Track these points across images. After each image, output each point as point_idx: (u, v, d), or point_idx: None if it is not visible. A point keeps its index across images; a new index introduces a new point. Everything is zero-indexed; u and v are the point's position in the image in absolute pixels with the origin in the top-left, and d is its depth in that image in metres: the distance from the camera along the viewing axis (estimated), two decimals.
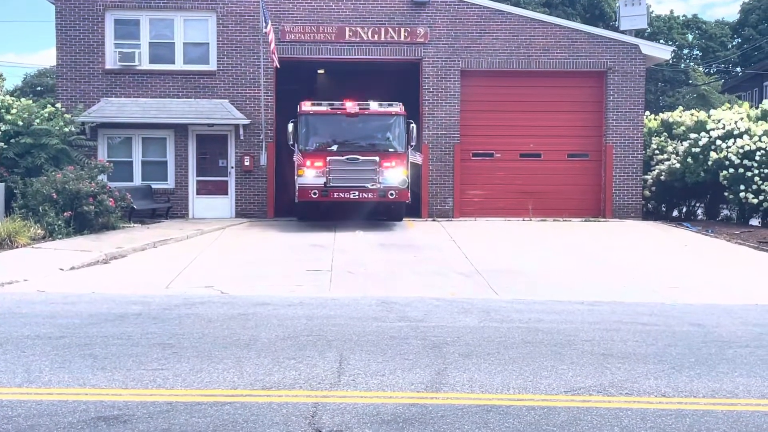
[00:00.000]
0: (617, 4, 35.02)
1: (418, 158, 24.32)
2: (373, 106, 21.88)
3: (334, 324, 10.40)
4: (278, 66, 23.64)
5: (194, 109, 24.42)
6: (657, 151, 26.71)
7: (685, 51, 66.88)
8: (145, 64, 24.80)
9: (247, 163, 24.81)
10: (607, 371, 8.18)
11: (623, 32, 27.75)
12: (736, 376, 7.95)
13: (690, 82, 55.58)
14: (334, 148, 21.45)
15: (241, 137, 24.82)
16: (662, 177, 25.76)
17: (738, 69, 61.62)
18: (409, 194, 22.00)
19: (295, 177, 21.52)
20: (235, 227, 22.52)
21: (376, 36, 24.85)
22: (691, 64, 62.40)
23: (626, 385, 7.65)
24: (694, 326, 10.68)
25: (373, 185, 21.15)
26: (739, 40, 63.32)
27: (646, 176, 26.28)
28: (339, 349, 8.93)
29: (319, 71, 29.97)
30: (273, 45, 23.11)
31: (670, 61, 50.56)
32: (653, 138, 27.09)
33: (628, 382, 7.77)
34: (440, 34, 25.03)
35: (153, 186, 24.61)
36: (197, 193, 25.07)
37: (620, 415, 6.69)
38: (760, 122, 24.26)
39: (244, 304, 11.73)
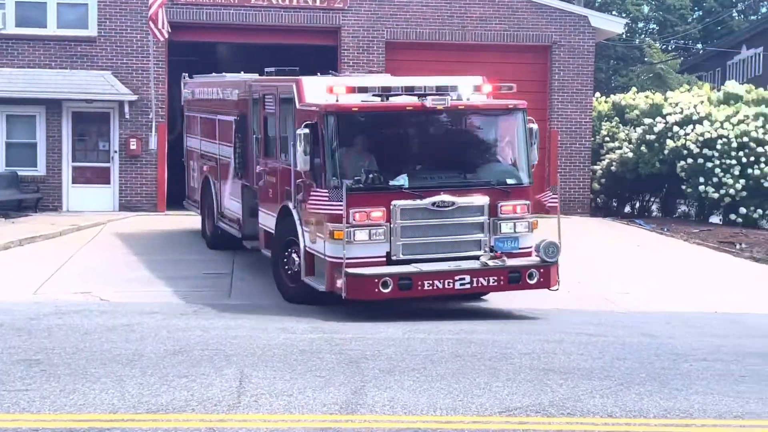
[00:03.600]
0: None
1: None
2: (465, 91, 13.17)
3: (234, 336, 10.36)
4: (161, 39, 22.89)
5: (70, 82, 23.90)
6: (607, 139, 27.26)
7: (641, 25, 68.27)
8: (11, 28, 24.13)
9: (133, 147, 24.34)
10: (547, 388, 8.33)
11: (571, 2, 28.23)
12: (691, 394, 8.19)
13: (645, 60, 56.77)
14: (402, 182, 12.39)
15: (127, 116, 24.37)
16: (613, 168, 26.29)
17: (699, 46, 63.32)
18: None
19: (319, 239, 12.32)
20: (119, 222, 22.17)
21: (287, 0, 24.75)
22: (647, 39, 63.74)
23: (568, 405, 7.81)
24: (646, 337, 10.97)
25: (494, 261, 12.41)
26: (701, 14, 64.97)
27: (595, 167, 26.77)
28: (239, 366, 8.90)
29: (219, 41, 29.57)
30: (155, 8, 22.12)
31: (624, 36, 51.61)
32: (603, 123, 27.63)
33: (571, 400, 7.94)
34: (362, 0, 25.07)
35: (19, 173, 23.99)
36: (73, 182, 24.51)
37: None
38: (722, 106, 24.89)
39: (127, 313, 11.58)
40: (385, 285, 11.74)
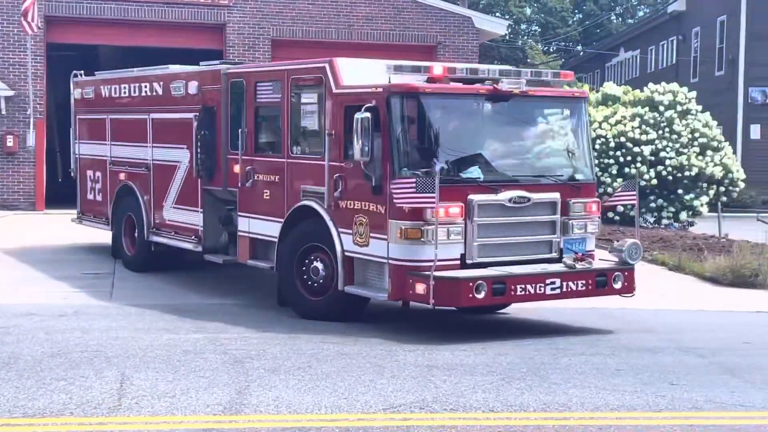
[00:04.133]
0: None
1: None
2: (508, 76, 11.46)
3: (115, 337, 10.16)
4: (31, 32, 22.21)
5: None
6: None
7: (524, 26, 69.69)
8: None
9: (9, 144, 23.71)
10: (431, 384, 8.43)
11: (456, 3, 28.56)
12: (570, 387, 8.39)
13: (528, 61, 58.00)
14: (476, 174, 10.99)
15: (2, 112, 23.70)
16: None
17: (579, 48, 64.91)
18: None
19: (375, 241, 10.74)
20: None
21: None
22: (530, 41, 65.13)
23: (452, 400, 7.91)
24: (527, 332, 11.18)
25: (582, 264, 11.22)
26: (581, 16, 66.67)
27: None
28: (120, 367, 8.74)
29: (100, 40, 28.83)
30: (29, 2, 21.57)
31: (507, 37, 52.57)
32: None
33: (454, 396, 8.04)
34: None
35: None
36: None
37: None
38: (600, 107, 25.57)
39: (2, 315, 11.24)
40: (478, 290, 10.29)
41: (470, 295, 10.27)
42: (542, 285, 10.73)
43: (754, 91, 33.91)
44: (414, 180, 10.11)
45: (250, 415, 7.37)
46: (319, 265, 11.44)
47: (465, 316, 11.95)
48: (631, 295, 11.52)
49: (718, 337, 11.53)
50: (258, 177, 12.47)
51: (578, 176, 11.75)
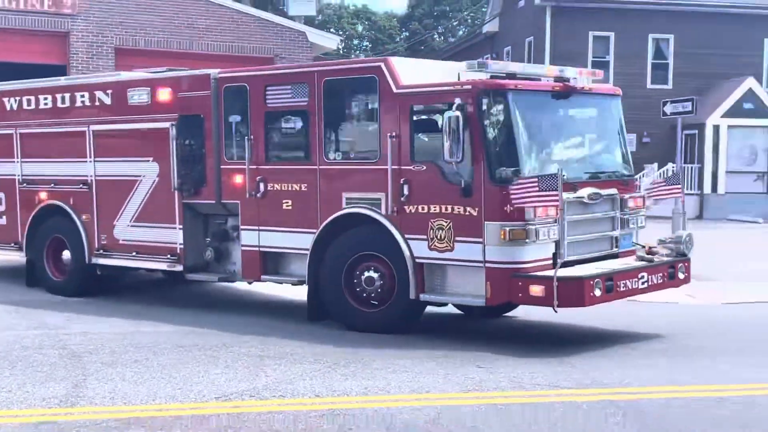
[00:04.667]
0: None
1: None
2: (571, 72, 10.65)
3: None
4: None
5: None
6: None
7: (356, 41, 70.22)
8: None
9: None
10: (262, 374, 8.35)
11: (292, 18, 28.45)
12: (389, 372, 8.46)
13: None
14: (558, 170, 9.39)
15: None
16: None
17: None
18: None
19: (463, 245, 9.58)
20: None
21: (13, 3, 23.24)
22: (361, 55, 65.63)
23: (281, 387, 7.86)
24: None
25: (658, 257, 10.64)
26: (407, 34, 67.70)
27: None
28: None
29: None
30: None
31: (341, 51, 52.76)
32: None
33: (283, 383, 7.99)
34: (92, 5, 23.99)
35: None
36: None
37: (272, 419, 6.85)
38: None
39: None
40: (596, 288, 9.31)
41: (591, 294, 9.27)
42: (636, 280, 9.96)
43: None
44: (536, 180, 9.06)
45: (85, 407, 7.11)
46: (373, 274, 10.16)
47: (293, 310, 11.88)
48: (688, 285, 11.05)
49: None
50: (272, 187, 10.85)
51: (625, 171, 11.15)
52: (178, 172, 11.62)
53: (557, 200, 9.05)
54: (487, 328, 11.01)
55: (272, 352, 9.34)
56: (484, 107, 9.47)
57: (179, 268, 11.79)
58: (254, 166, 10.95)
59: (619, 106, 11.27)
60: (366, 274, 10.19)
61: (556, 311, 9.29)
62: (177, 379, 8.04)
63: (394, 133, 9.89)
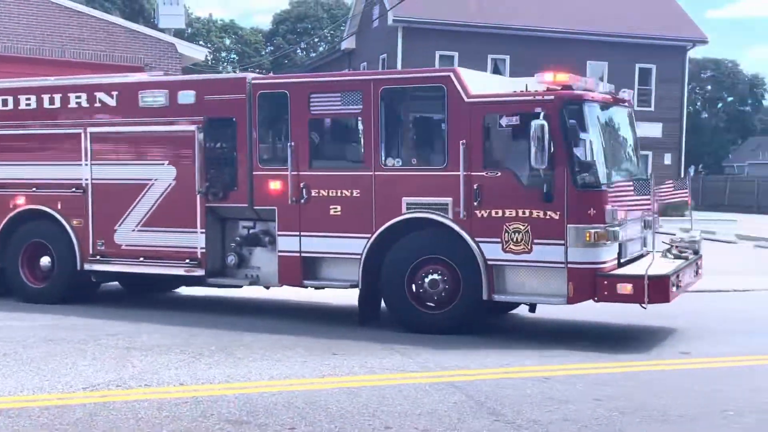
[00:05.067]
0: (156, 3, 35.04)
1: None
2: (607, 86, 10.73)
3: None
4: None
5: None
6: None
7: (224, 54, 69.22)
8: None
9: None
10: (129, 364, 8.12)
11: (162, 30, 27.80)
12: (251, 361, 8.39)
13: None
14: (614, 173, 10.00)
15: None
16: None
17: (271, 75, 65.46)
18: None
19: (542, 247, 9.31)
20: None
21: None
22: (229, 67, 64.74)
23: (147, 377, 7.67)
24: (220, 315, 11.08)
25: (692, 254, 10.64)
26: (272, 48, 67.24)
27: None
28: None
29: None
30: None
31: (209, 62, 51.91)
32: None
33: (149, 373, 7.80)
34: None
35: None
36: None
37: (138, 407, 6.67)
38: None
39: None
40: (672, 285, 9.21)
41: (673, 290, 9.21)
42: (687, 276, 9.99)
43: None
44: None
45: None
46: (437, 277, 9.72)
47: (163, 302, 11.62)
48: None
49: None
50: (318, 193, 10.16)
51: (643, 175, 11.21)
52: (205, 176, 10.70)
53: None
54: (344, 320, 11.06)
55: (139, 344, 9.12)
56: (567, 116, 9.20)
57: (199, 272, 10.82)
58: (296, 172, 10.19)
59: (633, 114, 11.21)
60: (430, 277, 9.73)
61: (645, 308, 9.16)
62: (45, 371, 7.74)
63: (464, 141, 9.47)
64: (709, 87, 74.95)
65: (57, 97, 11.60)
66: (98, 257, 11.32)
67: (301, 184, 10.18)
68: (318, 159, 10.32)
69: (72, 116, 11.51)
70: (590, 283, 9.13)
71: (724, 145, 74.30)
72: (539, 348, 9.28)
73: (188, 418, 6.42)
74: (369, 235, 9.87)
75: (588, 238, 9.06)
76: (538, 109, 9.12)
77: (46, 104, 11.68)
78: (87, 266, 11.38)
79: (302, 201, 10.19)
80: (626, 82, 36.79)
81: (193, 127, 10.72)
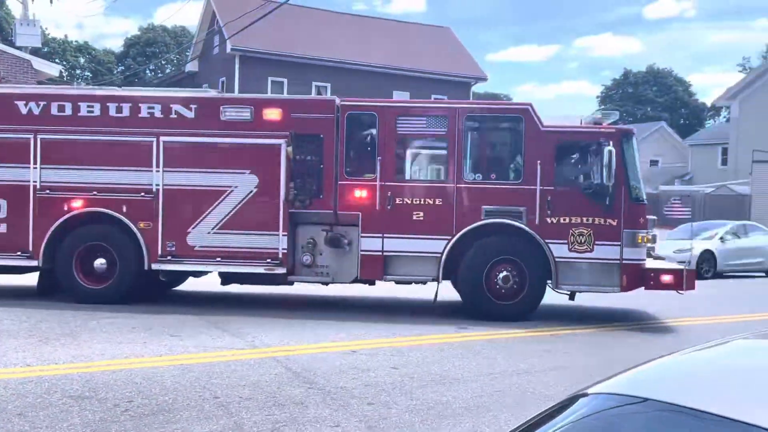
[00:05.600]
0: (14, 23, 32.54)
1: None
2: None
3: None
4: None
5: None
6: None
7: (78, 71, 65.35)
8: None
9: None
10: None
11: (19, 48, 25.85)
12: (95, 343, 7.96)
13: None
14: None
15: None
16: None
17: None
18: None
19: (615, 247, 10.23)
20: None
21: None
22: (83, 84, 61.22)
23: None
24: (63, 303, 10.43)
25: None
26: (123, 68, 64.21)
27: None
28: None
29: None
30: None
31: (65, 78, 48.77)
32: None
33: None
34: None
35: None
36: None
37: None
38: None
39: None
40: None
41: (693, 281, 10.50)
42: None
43: None
44: (679, 198, 10.08)
45: None
46: (508, 273, 10.20)
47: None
48: None
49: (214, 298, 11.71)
50: (402, 200, 10.25)
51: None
52: (293, 185, 10.37)
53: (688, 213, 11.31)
54: (186, 305, 10.70)
55: None
56: (624, 145, 10.23)
57: (281, 270, 10.33)
58: (383, 183, 10.26)
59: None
60: (502, 273, 10.22)
61: (682, 293, 10.41)
62: None
63: (540, 161, 10.08)
64: None
65: (126, 106, 10.57)
66: (168, 257, 10.45)
67: (388, 193, 10.29)
68: (402, 172, 10.63)
69: (143, 125, 10.52)
70: (639, 276, 10.17)
71: None
72: (346, 327, 9.38)
73: (33, 395, 5.99)
74: (450, 237, 10.17)
75: (639, 240, 10.14)
76: (602, 139, 10.15)
77: (112, 112, 10.58)
78: (155, 266, 10.46)
79: (388, 207, 10.27)
80: None
81: (279, 141, 10.33)
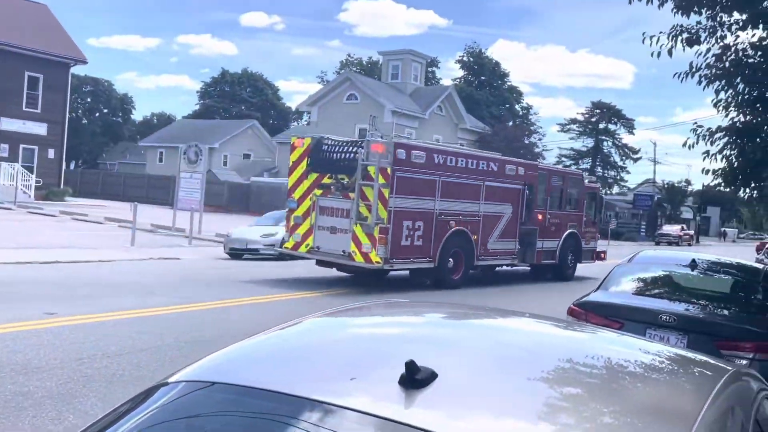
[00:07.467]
0: None
1: None
2: None
3: None
4: None
5: None
6: None
7: None
8: None
9: None
10: None
11: None
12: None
13: None
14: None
15: None
16: None
17: None
18: None
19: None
20: None
21: None
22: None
23: None
24: None
25: None
26: None
27: None
28: None
29: None
30: None
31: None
32: None
33: None
34: None
35: None
36: None
37: None
38: None
39: None
40: None
41: None
42: None
43: None
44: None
45: None
46: (570, 259, 19.78)
47: None
48: None
49: None
50: (550, 220, 18.39)
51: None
52: (523, 211, 17.21)
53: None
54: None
55: None
56: (597, 195, 21.99)
57: (516, 262, 17.42)
58: (546, 211, 18.27)
59: None
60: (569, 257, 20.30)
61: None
62: None
63: (585, 200, 20.09)
64: (89, 99, 74.69)
65: (473, 161, 15.78)
66: (480, 257, 16.22)
67: (548, 216, 18.35)
68: (550, 205, 18.60)
69: (477, 174, 15.84)
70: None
71: (99, 146, 75.32)
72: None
73: None
74: (558, 240, 18.87)
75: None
76: (595, 190, 21.87)
77: (468, 165, 15.60)
78: (476, 263, 16.21)
79: (546, 224, 18.27)
80: (16, 87, 34.12)
81: (520, 186, 17.15)
